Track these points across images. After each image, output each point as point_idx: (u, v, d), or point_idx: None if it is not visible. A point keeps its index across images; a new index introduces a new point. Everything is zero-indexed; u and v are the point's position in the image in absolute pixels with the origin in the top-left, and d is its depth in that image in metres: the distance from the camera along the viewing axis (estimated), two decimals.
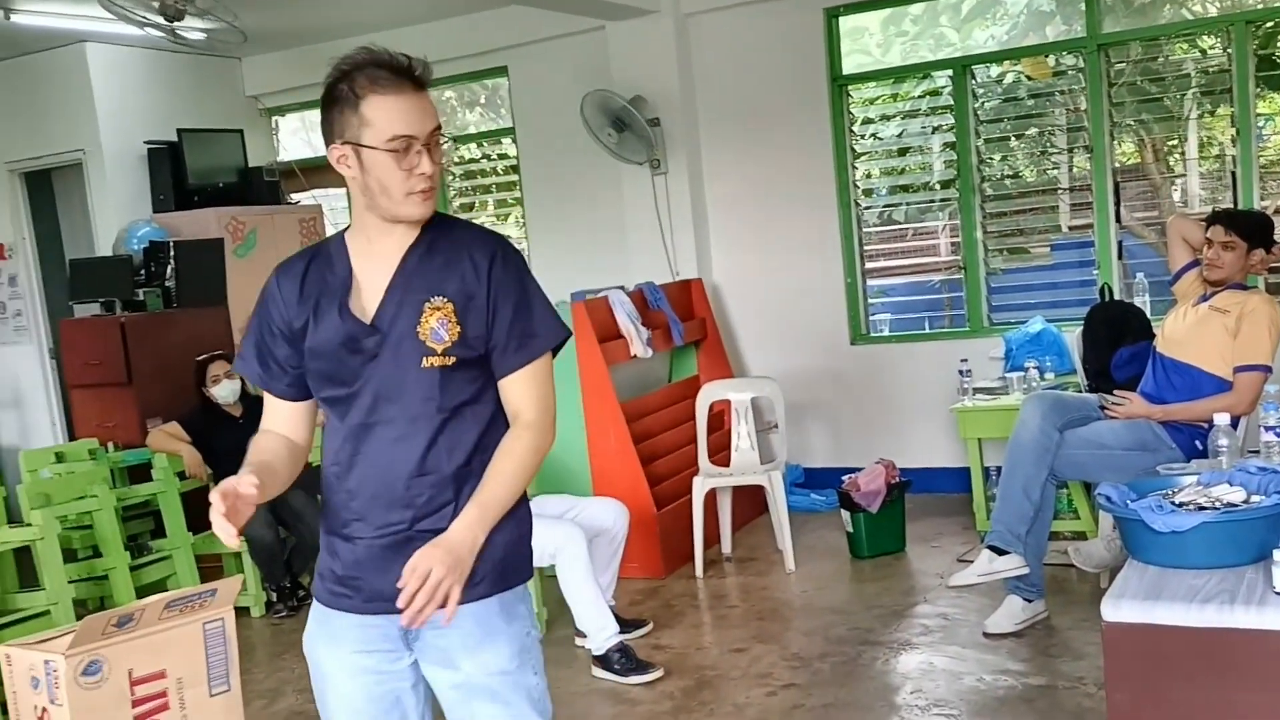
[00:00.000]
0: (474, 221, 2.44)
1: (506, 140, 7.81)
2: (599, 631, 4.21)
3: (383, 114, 1.91)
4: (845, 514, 5.37)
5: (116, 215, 6.97)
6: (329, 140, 1.98)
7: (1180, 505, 2.51)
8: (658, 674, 4.15)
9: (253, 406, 5.83)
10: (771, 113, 6.60)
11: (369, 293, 2.03)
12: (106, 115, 7.05)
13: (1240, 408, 3.99)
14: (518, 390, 2.05)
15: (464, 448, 2.02)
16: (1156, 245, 6.34)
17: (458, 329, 1.99)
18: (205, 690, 2.25)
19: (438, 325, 1.98)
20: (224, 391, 5.64)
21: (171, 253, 6.45)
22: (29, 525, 4.52)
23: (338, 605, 2.06)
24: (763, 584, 5.22)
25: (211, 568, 5.63)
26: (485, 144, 8.26)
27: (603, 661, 4.21)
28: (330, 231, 8.02)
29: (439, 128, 1.98)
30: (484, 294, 2.01)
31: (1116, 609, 2.41)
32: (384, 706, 2.07)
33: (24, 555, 5.11)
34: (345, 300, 2.03)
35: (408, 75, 1.93)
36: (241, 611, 5.32)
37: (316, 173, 8.23)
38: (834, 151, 6.49)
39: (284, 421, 2.15)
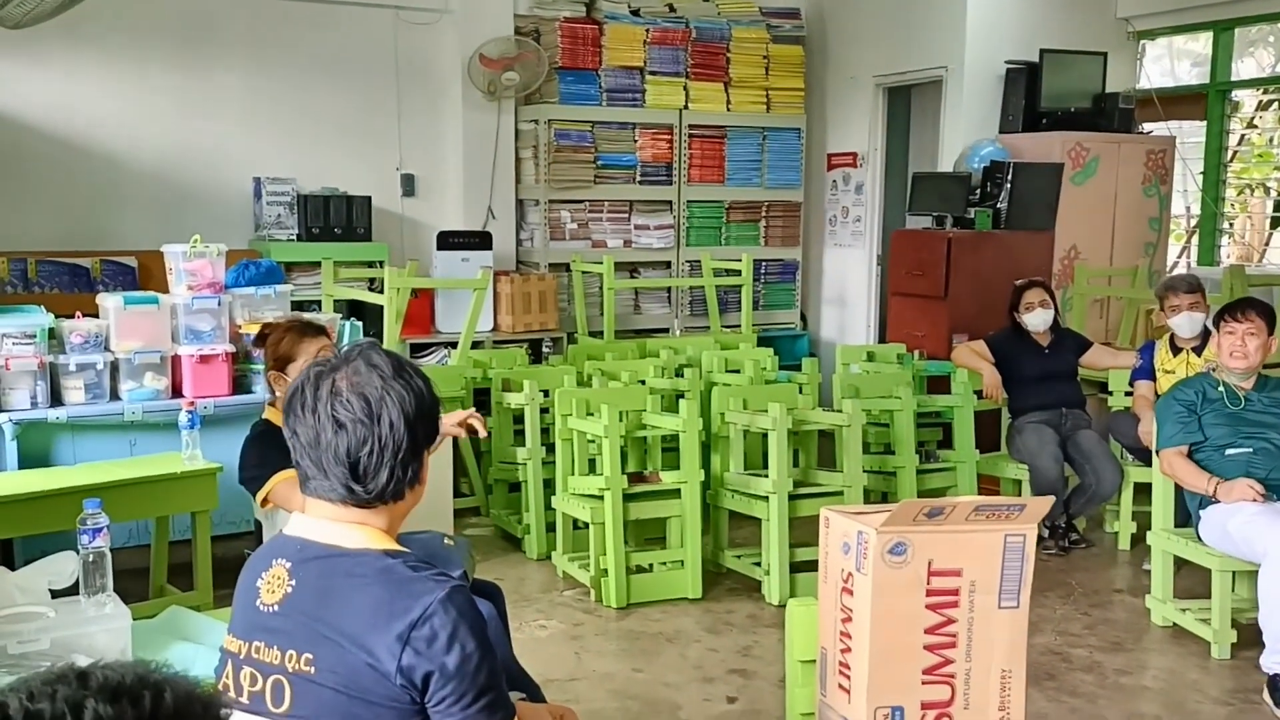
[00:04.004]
0: None
1: None
2: (1273, 651, 3.70)
3: None
4: None
5: (964, 133, 7.14)
6: None
7: None
8: None
9: (1062, 338, 5.69)
10: None
11: None
12: (974, 34, 7.17)
13: None
14: None
15: None
16: None
17: None
18: (994, 600, 2.21)
19: None
20: (1036, 319, 5.56)
21: (1009, 174, 6.47)
22: (838, 411, 4.88)
23: None
24: None
25: (988, 489, 5.67)
26: None
27: (1270, 683, 3.69)
28: (1179, 167, 7.48)
29: None
30: None
31: None
32: None
33: (826, 439, 5.58)
34: None
35: None
36: None
37: (1177, 103, 7.69)
38: None
39: None
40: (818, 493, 4.75)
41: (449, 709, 1.64)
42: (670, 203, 7.64)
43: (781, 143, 7.92)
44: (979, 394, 5.59)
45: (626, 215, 7.58)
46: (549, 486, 5.06)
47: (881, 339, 7.43)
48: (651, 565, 4.70)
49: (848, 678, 2.25)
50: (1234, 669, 4.00)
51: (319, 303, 6.00)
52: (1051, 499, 2.33)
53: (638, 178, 7.54)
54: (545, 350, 6.99)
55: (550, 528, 5.06)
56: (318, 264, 6.23)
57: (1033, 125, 7.10)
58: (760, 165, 7.89)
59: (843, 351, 6.16)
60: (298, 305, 5.80)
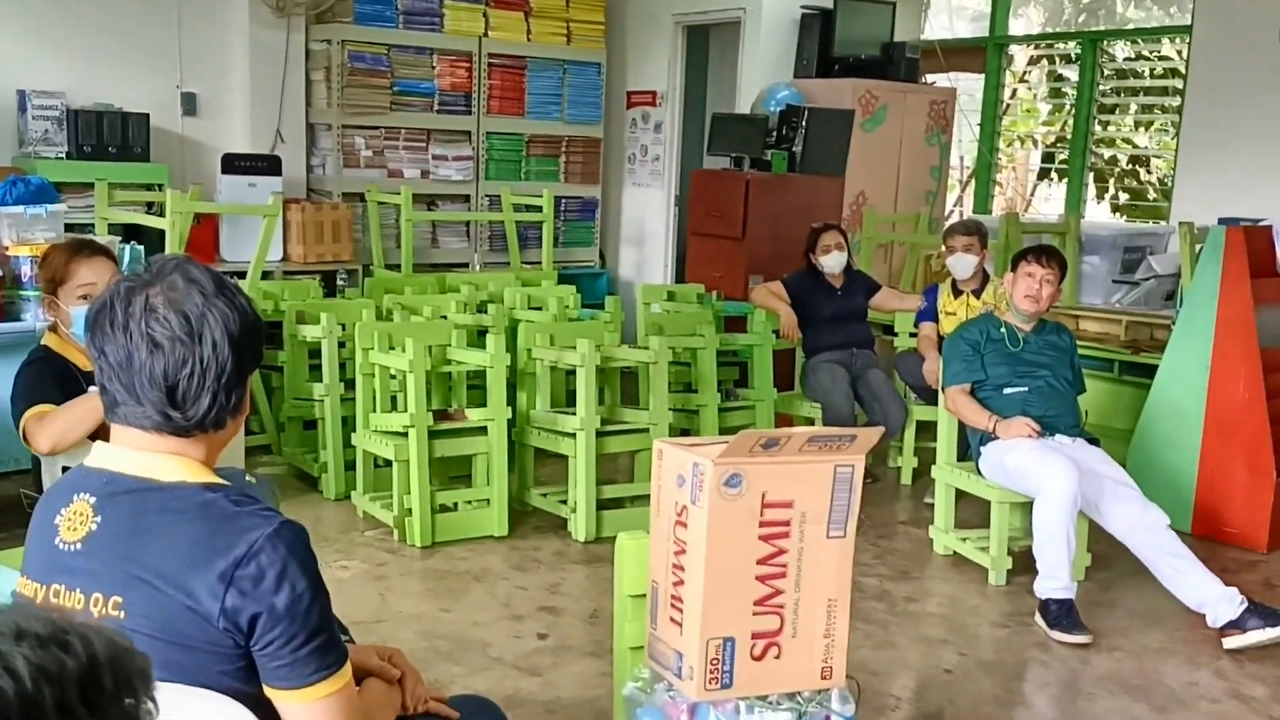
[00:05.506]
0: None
1: (1167, 40, 7.05)
2: (1046, 577, 3.96)
3: None
4: None
5: (761, 75, 7.25)
6: None
7: None
8: (1083, 639, 3.80)
9: (853, 280, 5.88)
10: None
11: None
12: None
13: None
14: None
15: None
16: None
17: None
18: (823, 530, 2.26)
19: None
20: (832, 262, 5.71)
21: (804, 118, 6.60)
22: (645, 349, 4.90)
23: None
24: None
25: (783, 427, 5.83)
26: (1141, 42, 7.55)
27: (1042, 606, 3.97)
28: (958, 119, 7.82)
29: None
30: None
31: None
32: None
33: (627, 378, 5.61)
34: None
35: None
36: None
37: (957, 55, 8.02)
38: None
39: None
40: (624, 430, 4.77)
41: (277, 652, 1.53)
42: (469, 133, 7.45)
43: (582, 78, 7.83)
44: (776, 334, 5.72)
45: (424, 145, 7.35)
46: (347, 424, 4.89)
47: (680, 279, 7.50)
48: (456, 504, 4.62)
49: (680, 610, 2.25)
50: (1009, 594, 4.26)
51: (92, 226, 5.57)
52: (880, 430, 2.38)
53: (436, 106, 7.32)
54: (340, 283, 6.73)
55: (349, 466, 4.90)
56: (90, 185, 5.77)
57: (826, 71, 7.27)
58: (560, 99, 7.79)
59: (644, 290, 6.18)
60: (70, 229, 5.37)
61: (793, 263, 5.91)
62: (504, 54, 7.50)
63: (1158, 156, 8.18)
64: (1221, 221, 5.28)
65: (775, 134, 6.70)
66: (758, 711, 2.23)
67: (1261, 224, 5.14)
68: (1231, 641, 3.78)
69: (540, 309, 5.60)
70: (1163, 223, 6.77)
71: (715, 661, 2.22)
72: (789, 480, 2.22)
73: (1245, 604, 3.81)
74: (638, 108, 8.17)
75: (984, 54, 7.92)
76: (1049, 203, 8.65)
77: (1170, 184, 6.82)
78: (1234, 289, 4.86)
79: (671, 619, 2.28)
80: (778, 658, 2.26)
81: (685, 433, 5.44)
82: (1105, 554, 4.34)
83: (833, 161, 6.76)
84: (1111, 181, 9.12)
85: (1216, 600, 3.84)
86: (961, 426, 4.59)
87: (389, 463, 4.50)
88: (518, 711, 3.19)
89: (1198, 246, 5.27)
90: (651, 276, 8.01)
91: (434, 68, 7.26)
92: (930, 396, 5.22)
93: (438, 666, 3.45)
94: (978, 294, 5.45)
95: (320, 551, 4.23)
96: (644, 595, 2.37)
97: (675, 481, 2.25)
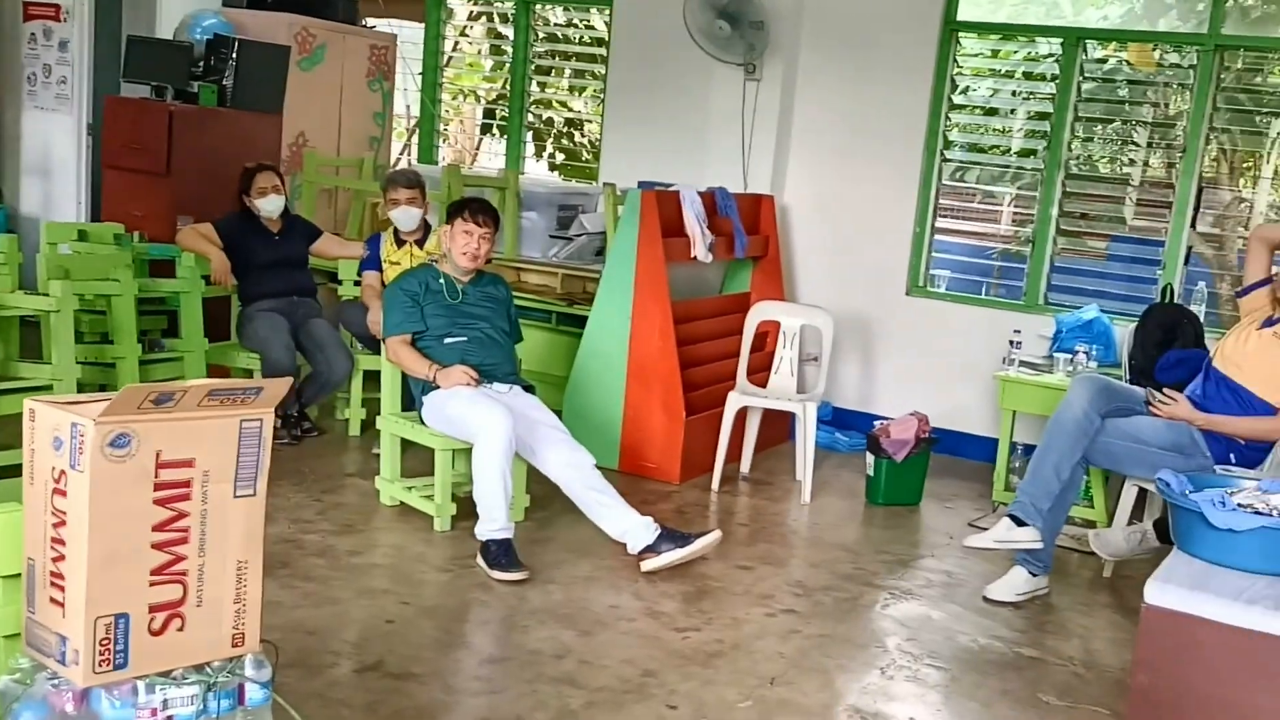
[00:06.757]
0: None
1: (594, 10, 7.43)
2: (486, 519, 4.08)
3: None
4: (870, 458, 5.28)
5: (183, 1, 6.67)
6: None
7: (1239, 506, 2.72)
8: (519, 576, 3.98)
9: (292, 225, 5.62)
10: (879, 44, 6.23)
11: None
12: None
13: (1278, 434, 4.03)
14: None
15: None
16: (1209, 259, 6.26)
17: None
18: (230, 489, 2.08)
19: None
20: (269, 205, 5.41)
21: (235, 50, 6.16)
22: (44, 295, 4.34)
23: None
24: (775, 509, 5.15)
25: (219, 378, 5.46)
26: (571, 9, 7.89)
27: (483, 548, 4.08)
28: (401, 66, 7.69)
29: None
30: None
31: (1161, 593, 2.56)
32: None
33: (30, 329, 4.96)
34: None
35: None
36: None
37: (397, 2, 7.91)
38: (931, 97, 6.18)
39: None
40: (20, 387, 4.21)
41: None
42: None
43: None
44: (207, 280, 5.33)
45: None
46: None
47: (95, 217, 6.77)
48: None
49: (61, 589, 1.97)
50: (454, 539, 4.31)
51: None
52: (288, 380, 2.22)
53: None
54: None
55: None
56: None
57: (257, 3, 6.86)
58: None
59: (49, 229, 5.49)
60: None
61: (227, 203, 5.53)
62: None
63: (590, 121, 8.65)
64: (640, 185, 5.68)
65: (203, 65, 6.19)
66: (160, 689, 2.01)
67: (671, 189, 5.59)
68: (648, 564, 4.10)
69: None
70: (594, 183, 7.16)
71: (106, 641, 1.97)
72: (188, 438, 2.00)
73: (659, 530, 4.14)
74: (37, 21, 7.19)
75: (424, 4, 7.89)
76: (494, 158, 8.85)
77: (600, 147, 7.22)
78: (648, 247, 5.25)
79: (52, 599, 1.99)
80: (181, 630, 2.05)
81: (103, 388, 4.93)
82: (544, 494, 4.52)
83: (268, 98, 6.40)
84: (550, 141, 9.55)
85: (635, 529, 4.14)
86: (405, 376, 4.55)
87: None
88: None
89: (619, 207, 5.65)
90: (61, 213, 7.14)
91: None
92: (376, 346, 5.12)
93: None
94: (421, 244, 5.43)
95: None
96: (19, 575, 2.04)
97: (52, 445, 1.95)
